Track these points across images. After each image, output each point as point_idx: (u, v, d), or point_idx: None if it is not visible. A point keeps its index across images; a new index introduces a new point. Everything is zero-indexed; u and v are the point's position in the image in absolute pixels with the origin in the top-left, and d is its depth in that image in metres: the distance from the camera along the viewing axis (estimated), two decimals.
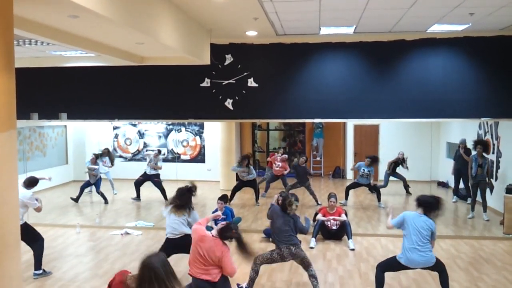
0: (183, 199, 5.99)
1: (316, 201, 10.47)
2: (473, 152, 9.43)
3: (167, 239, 5.99)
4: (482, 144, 9.19)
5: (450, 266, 6.78)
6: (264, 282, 6.18)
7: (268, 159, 11.66)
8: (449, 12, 6.36)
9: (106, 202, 10.78)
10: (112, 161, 11.36)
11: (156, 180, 10.84)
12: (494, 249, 7.62)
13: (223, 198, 8.60)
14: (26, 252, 7.21)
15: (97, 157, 10.87)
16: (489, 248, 7.64)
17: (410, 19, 6.81)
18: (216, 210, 8.46)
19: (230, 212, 8.57)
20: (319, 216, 8.13)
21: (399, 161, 10.86)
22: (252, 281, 5.73)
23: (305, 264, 5.76)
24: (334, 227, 8.02)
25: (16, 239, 3.86)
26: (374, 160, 10.51)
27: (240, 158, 10.93)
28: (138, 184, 10.98)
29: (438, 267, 5.33)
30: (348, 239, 7.80)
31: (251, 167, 10.72)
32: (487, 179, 9.13)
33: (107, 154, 11.29)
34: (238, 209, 9.95)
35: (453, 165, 10.65)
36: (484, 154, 9.13)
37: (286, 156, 11.36)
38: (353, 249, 7.55)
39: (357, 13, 6.44)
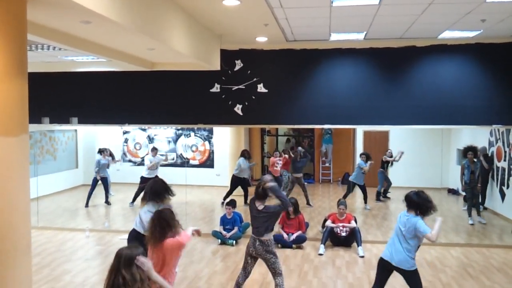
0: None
1: (307, 201, 10.62)
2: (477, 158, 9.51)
3: None
4: (472, 151, 9.37)
5: (461, 274, 6.72)
6: None
7: (270, 167, 11.47)
8: (461, 18, 6.33)
9: (107, 202, 11.05)
10: (113, 158, 11.59)
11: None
12: (506, 257, 7.53)
13: (231, 203, 8.61)
14: (35, 256, 7.26)
15: (102, 151, 11.12)
16: (500, 257, 7.55)
17: (421, 26, 6.78)
18: (224, 215, 8.49)
19: (238, 217, 8.57)
20: (329, 223, 8.08)
21: (391, 161, 10.93)
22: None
23: (271, 271, 5.32)
24: (344, 234, 7.98)
25: (27, 243, 3.87)
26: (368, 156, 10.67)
27: (243, 152, 11.19)
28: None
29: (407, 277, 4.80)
30: (358, 246, 7.74)
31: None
32: (478, 184, 9.35)
33: (109, 153, 11.50)
34: (246, 215, 9.92)
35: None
36: (475, 160, 9.37)
37: (286, 156, 11.51)
38: (362, 256, 7.50)
39: (367, 19, 6.43)
